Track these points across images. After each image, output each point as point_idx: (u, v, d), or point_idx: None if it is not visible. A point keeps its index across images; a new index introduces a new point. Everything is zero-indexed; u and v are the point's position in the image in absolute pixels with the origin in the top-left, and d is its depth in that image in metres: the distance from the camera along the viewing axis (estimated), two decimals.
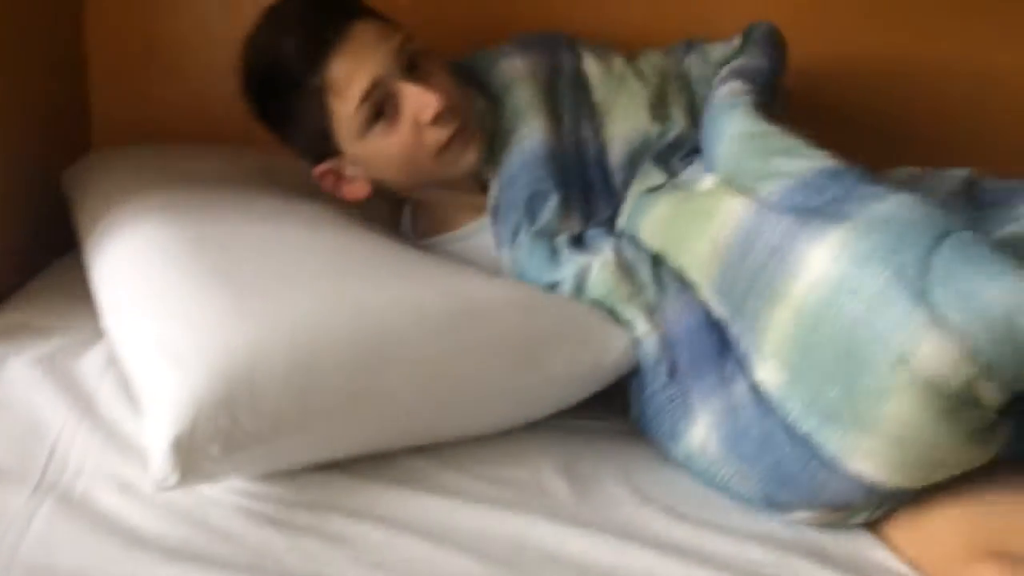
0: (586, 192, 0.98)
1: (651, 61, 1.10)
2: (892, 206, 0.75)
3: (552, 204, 0.95)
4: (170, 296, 0.79)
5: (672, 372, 0.84)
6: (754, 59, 1.02)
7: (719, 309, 0.83)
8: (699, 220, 0.87)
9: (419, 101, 0.92)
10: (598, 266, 0.89)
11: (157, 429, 0.67)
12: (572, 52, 1.09)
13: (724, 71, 1.01)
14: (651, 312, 0.86)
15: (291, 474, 0.74)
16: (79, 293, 0.95)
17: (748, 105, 0.92)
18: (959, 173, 0.95)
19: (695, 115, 1.04)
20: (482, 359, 0.79)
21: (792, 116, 0.98)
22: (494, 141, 1.01)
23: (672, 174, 0.97)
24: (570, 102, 1.04)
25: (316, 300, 0.77)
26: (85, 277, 0.94)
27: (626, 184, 0.99)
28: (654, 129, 1.02)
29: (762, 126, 0.89)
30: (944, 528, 0.75)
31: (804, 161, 0.83)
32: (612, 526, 0.75)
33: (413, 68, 0.94)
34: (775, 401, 0.76)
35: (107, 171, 1.10)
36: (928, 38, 1.33)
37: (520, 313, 0.84)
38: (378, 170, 0.97)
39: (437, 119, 0.92)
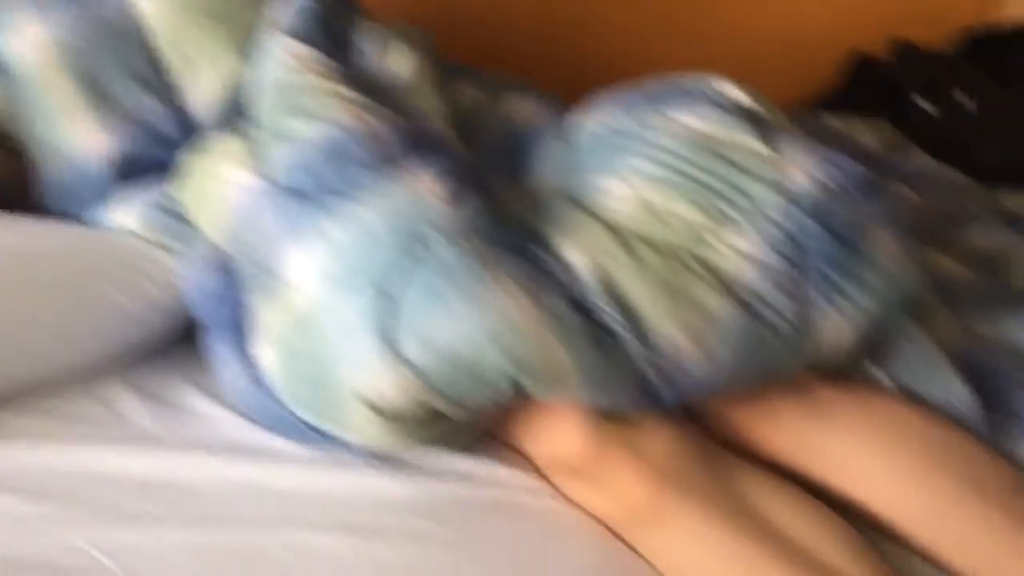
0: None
1: None
2: (370, 215, 0.75)
3: None
4: None
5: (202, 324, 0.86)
6: None
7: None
8: (207, 185, 0.85)
9: None
10: (122, 212, 0.90)
11: None
12: None
13: None
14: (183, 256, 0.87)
15: None
16: None
17: (289, 36, 0.87)
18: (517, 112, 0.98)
19: None
20: (35, 303, 0.81)
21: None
22: (22, 131, 0.91)
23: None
24: (124, 69, 0.90)
25: None
26: None
27: None
28: (248, 75, 0.91)
29: (295, 76, 0.84)
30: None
31: (315, 128, 0.80)
32: (189, 440, 0.79)
33: None
34: (268, 378, 0.78)
35: None
36: None
37: (74, 252, 0.86)
38: None
39: None
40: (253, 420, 0.81)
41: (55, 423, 0.79)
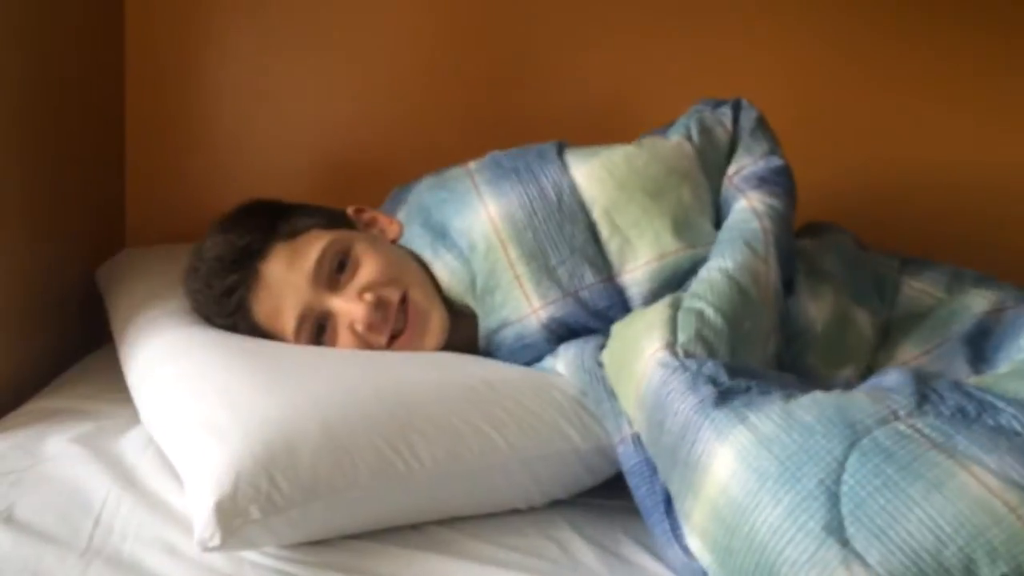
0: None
1: (659, 155, 1.01)
2: (794, 408, 0.74)
3: None
4: (206, 380, 0.89)
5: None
6: (763, 161, 1.01)
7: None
8: (627, 359, 0.87)
9: (347, 317, 0.98)
10: (561, 367, 0.95)
11: (200, 492, 0.75)
12: (558, 163, 1.01)
13: (735, 174, 1.01)
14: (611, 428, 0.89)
15: (325, 541, 0.81)
16: (113, 383, 1.05)
17: (761, 243, 0.91)
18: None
19: (720, 220, 1.00)
20: (504, 430, 0.87)
21: None
22: (473, 301, 1.01)
23: None
24: (563, 242, 0.97)
25: (341, 380, 0.87)
26: (118, 368, 1.04)
27: None
28: (684, 254, 0.96)
29: (757, 288, 0.88)
30: None
31: (747, 351, 0.83)
32: None
33: (341, 268, 0.99)
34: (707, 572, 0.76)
35: (139, 269, 1.22)
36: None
37: (539, 388, 0.92)
38: None
39: (371, 327, 0.97)
40: None
41: (517, 555, 0.83)
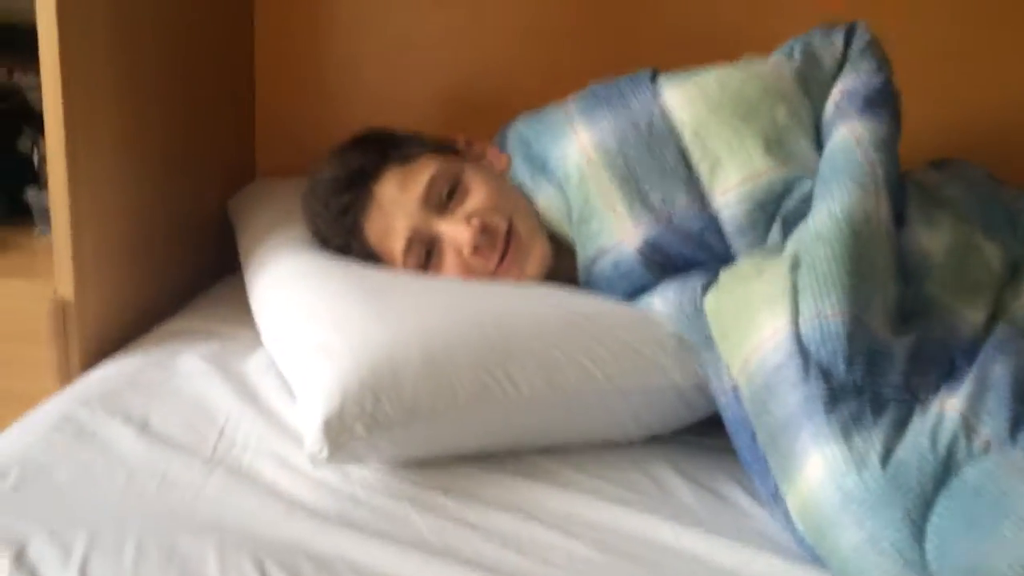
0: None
1: (756, 75, 0.99)
2: (895, 443, 0.73)
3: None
4: (321, 305, 0.94)
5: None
6: (868, 79, 0.97)
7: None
8: (741, 323, 0.85)
9: (454, 240, 1.00)
10: (659, 304, 0.95)
11: (311, 409, 0.80)
12: (651, 90, 1.00)
13: (839, 94, 0.97)
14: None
15: (428, 463, 0.85)
16: (243, 307, 1.11)
17: (868, 177, 0.87)
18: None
19: (821, 142, 0.96)
20: (601, 363, 0.88)
21: None
22: (572, 231, 1.02)
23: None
24: (654, 167, 0.96)
25: (444, 309, 0.91)
26: (245, 296, 1.11)
27: (752, 248, 0.94)
28: (776, 174, 0.93)
29: (869, 226, 0.84)
30: None
31: (869, 295, 0.81)
32: (735, 530, 0.80)
33: (451, 195, 1.02)
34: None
35: (265, 200, 1.28)
36: None
37: (639, 323, 0.93)
38: None
39: (476, 251, 0.99)
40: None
41: (613, 487, 0.85)
